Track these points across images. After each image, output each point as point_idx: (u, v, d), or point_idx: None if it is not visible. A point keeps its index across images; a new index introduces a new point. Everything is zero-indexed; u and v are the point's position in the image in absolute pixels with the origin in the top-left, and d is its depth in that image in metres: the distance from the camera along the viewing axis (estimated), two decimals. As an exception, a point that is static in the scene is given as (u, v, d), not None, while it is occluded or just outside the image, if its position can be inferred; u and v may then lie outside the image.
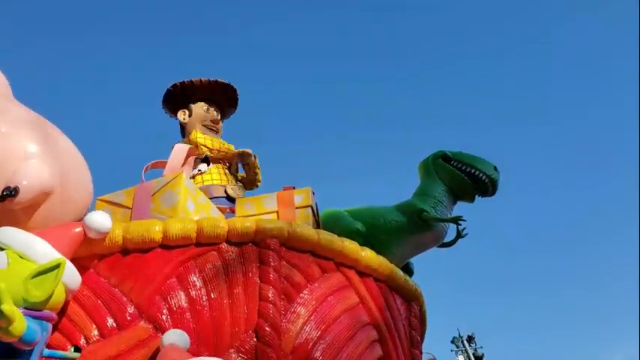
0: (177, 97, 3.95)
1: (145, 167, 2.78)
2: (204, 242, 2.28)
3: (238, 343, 2.14)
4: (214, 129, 3.84)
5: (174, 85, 3.93)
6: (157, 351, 2.06)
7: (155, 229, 2.22)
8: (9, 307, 1.59)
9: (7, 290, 1.62)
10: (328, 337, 2.33)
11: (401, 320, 2.78)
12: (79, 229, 2.12)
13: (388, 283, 2.74)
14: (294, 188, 2.89)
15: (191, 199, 2.50)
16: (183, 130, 3.88)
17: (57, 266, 1.82)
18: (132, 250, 2.23)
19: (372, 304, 2.59)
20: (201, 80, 3.88)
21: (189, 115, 3.86)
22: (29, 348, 1.78)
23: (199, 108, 3.87)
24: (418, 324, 2.92)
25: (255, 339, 2.15)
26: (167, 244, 2.24)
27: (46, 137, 2.46)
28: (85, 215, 2.59)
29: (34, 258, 1.92)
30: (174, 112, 3.98)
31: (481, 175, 3.12)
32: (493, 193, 3.18)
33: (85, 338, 2.07)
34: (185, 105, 3.91)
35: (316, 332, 2.30)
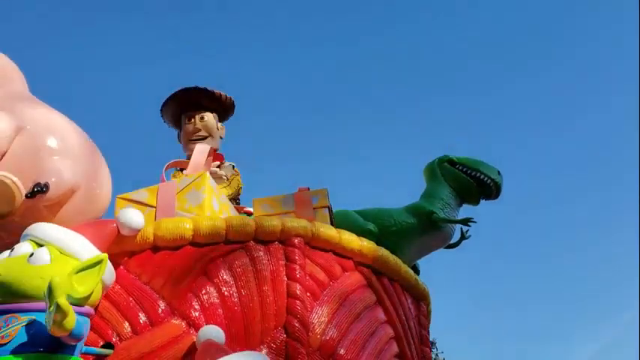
0: (169, 113, 3.89)
1: (165, 166, 2.79)
2: (232, 240, 2.31)
3: (269, 339, 2.18)
4: (198, 137, 3.72)
5: (161, 109, 3.86)
6: (191, 347, 2.09)
7: (186, 227, 2.25)
8: (64, 301, 1.60)
9: (61, 284, 1.63)
10: (351, 334, 2.40)
11: (412, 319, 2.87)
12: (113, 226, 2.13)
13: (401, 282, 2.82)
14: (308, 189, 2.95)
15: (215, 199, 2.53)
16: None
17: (99, 262, 1.84)
18: (162, 247, 2.24)
19: (388, 303, 2.66)
20: (174, 94, 3.76)
21: (181, 131, 3.83)
22: (75, 343, 1.79)
23: (184, 123, 3.78)
24: (427, 323, 3.01)
25: (284, 335, 2.20)
26: (197, 242, 2.27)
27: (68, 135, 2.47)
28: (103, 213, 2.60)
29: (74, 254, 1.92)
30: (173, 126, 3.94)
31: (486, 179, 3.25)
32: (497, 196, 3.31)
33: (118, 335, 2.08)
34: (178, 118, 3.86)
35: (341, 329, 2.37)
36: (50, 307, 1.62)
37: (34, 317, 1.76)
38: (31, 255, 1.86)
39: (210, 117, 3.78)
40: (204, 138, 3.68)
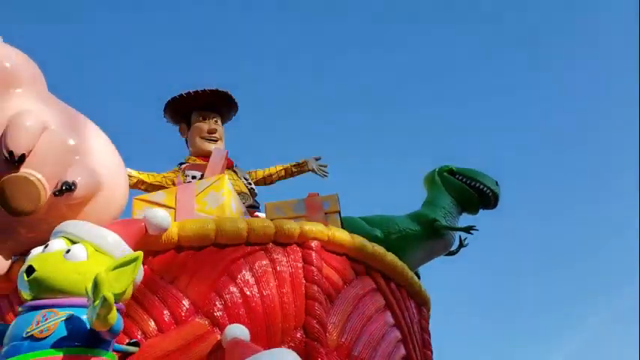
0: (177, 108, 3.92)
1: (182, 168, 2.83)
2: (253, 241, 2.37)
3: (289, 339, 2.24)
4: (212, 139, 3.78)
5: (172, 100, 3.88)
6: (216, 346, 2.13)
7: (209, 228, 2.29)
8: (111, 295, 1.63)
9: (106, 279, 1.66)
10: (365, 336, 2.48)
11: (415, 323, 2.96)
12: (141, 225, 2.16)
13: (407, 288, 2.92)
14: (317, 194, 3.02)
15: (234, 201, 2.59)
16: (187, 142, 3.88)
17: (135, 260, 1.87)
18: (186, 247, 2.28)
19: (395, 307, 2.76)
20: (190, 92, 3.82)
21: (188, 127, 3.84)
22: (112, 338, 1.81)
23: (196, 120, 3.84)
24: (427, 327, 3.11)
25: (304, 335, 2.26)
26: (220, 243, 2.31)
27: (89, 135, 2.49)
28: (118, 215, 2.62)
29: (109, 252, 1.95)
30: (176, 122, 3.95)
31: (485, 189, 3.38)
32: (495, 206, 3.45)
33: (143, 332, 2.11)
34: (186, 116, 3.88)
35: (355, 330, 2.44)
36: (95, 301, 1.64)
37: (72, 312, 1.78)
38: (68, 251, 1.88)
39: (220, 121, 3.84)
40: (216, 140, 3.71)
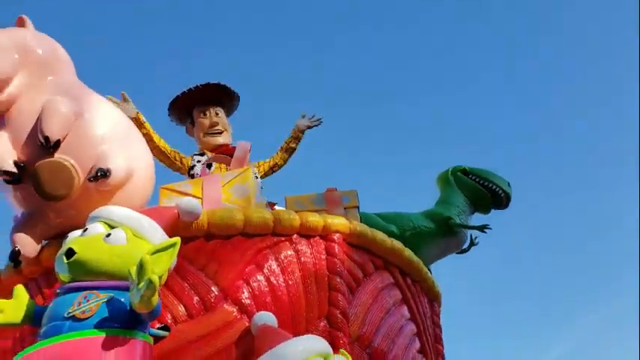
0: (179, 109, 3.92)
1: (208, 160, 2.88)
2: (279, 232, 2.43)
3: (313, 328, 2.30)
4: (215, 132, 3.78)
5: (172, 101, 3.88)
6: (244, 332, 2.19)
7: (238, 217, 2.35)
8: (156, 278, 1.67)
9: (151, 263, 1.70)
10: (384, 328, 2.54)
11: (428, 318, 3.03)
12: (174, 212, 2.21)
13: (421, 283, 2.98)
14: (335, 189, 3.08)
15: (258, 193, 2.64)
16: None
17: (172, 245, 1.92)
18: (216, 235, 2.34)
19: (411, 302, 2.83)
20: (185, 91, 3.82)
21: (193, 125, 3.84)
22: (151, 320, 1.87)
23: (197, 116, 3.78)
24: (439, 322, 3.18)
25: (327, 325, 2.32)
26: (247, 232, 2.37)
27: (121, 123, 2.54)
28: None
29: (146, 237, 2.00)
30: (182, 122, 3.95)
31: (498, 189, 3.46)
32: (506, 206, 3.53)
33: (173, 317, 2.16)
34: (189, 114, 3.89)
35: (374, 322, 2.51)
36: (140, 283, 1.69)
37: (112, 295, 1.82)
38: (108, 235, 1.92)
39: (222, 112, 3.80)
40: (220, 133, 3.71)
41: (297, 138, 3.72)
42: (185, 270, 2.25)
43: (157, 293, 1.73)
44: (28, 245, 2.32)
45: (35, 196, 2.29)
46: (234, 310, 2.23)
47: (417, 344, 2.76)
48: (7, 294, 2.05)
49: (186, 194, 2.61)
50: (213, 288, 2.24)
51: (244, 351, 2.15)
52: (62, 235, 2.37)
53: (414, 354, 2.68)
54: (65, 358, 1.70)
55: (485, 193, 3.48)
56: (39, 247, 2.38)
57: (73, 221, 2.35)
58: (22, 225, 2.37)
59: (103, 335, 1.74)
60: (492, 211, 3.57)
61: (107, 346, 1.73)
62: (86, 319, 1.77)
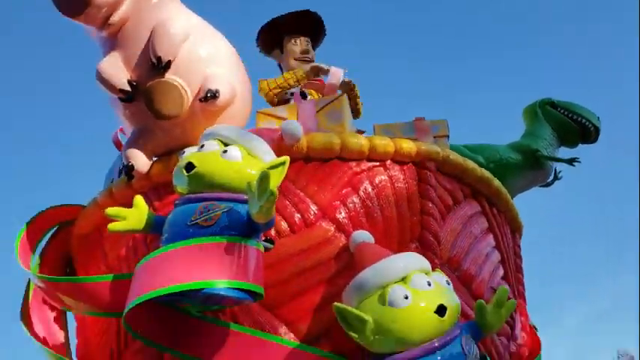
0: (269, 36, 3.95)
1: (301, 86, 2.95)
2: (373, 158, 2.49)
3: (405, 250, 2.39)
4: (306, 59, 3.82)
5: (262, 27, 3.91)
6: (341, 249, 2.31)
7: (335, 142, 2.42)
8: (276, 190, 1.79)
9: (272, 176, 1.81)
10: (472, 254, 2.62)
11: (510, 248, 3.08)
12: (279, 134, 2.31)
13: (506, 214, 3.02)
14: (423, 119, 3.10)
15: (350, 119, 2.71)
16: (281, 69, 3.94)
17: (283, 163, 2.03)
18: (314, 158, 2.43)
19: (497, 231, 2.88)
20: (279, 16, 3.84)
21: (282, 52, 3.87)
22: (266, 230, 2.02)
23: (288, 43, 3.80)
24: (520, 252, 3.23)
25: (420, 247, 2.41)
26: (344, 157, 2.45)
27: (224, 46, 2.61)
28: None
29: (259, 155, 2.12)
30: (269, 51, 3.99)
31: (587, 123, 3.39)
32: (595, 140, 3.46)
33: (277, 232, 2.30)
34: (278, 42, 3.92)
35: (463, 247, 2.59)
36: (261, 195, 1.81)
37: (231, 206, 1.97)
38: (225, 152, 2.05)
39: (311, 45, 3.85)
40: (310, 60, 3.76)
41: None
42: (287, 189, 2.37)
43: (274, 205, 1.85)
44: (140, 160, 2.48)
45: (145, 114, 2.43)
46: (332, 228, 2.34)
47: (501, 271, 2.83)
48: (119, 206, 2.22)
49: (282, 119, 2.71)
50: (312, 207, 2.36)
51: (341, 267, 2.28)
52: (168, 153, 2.54)
53: (498, 280, 2.76)
54: (193, 259, 1.88)
55: (573, 127, 3.41)
56: (150, 163, 2.55)
57: (178, 140, 2.50)
58: (134, 142, 2.53)
59: (224, 241, 1.90)
60: (579, 145, 3.51)
61: (229, 250, 1.89)
62: (209, 226, 1.93)
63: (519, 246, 3.24)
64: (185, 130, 2.48)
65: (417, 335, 1.85)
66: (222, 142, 2.12)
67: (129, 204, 2.19)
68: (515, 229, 3.21)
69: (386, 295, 1.88)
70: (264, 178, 1.80)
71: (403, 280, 1.94)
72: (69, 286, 2.36)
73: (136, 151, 2.48)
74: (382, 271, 1.97)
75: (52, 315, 2.72)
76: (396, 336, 1.84)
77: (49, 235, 2.87)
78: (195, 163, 2.03)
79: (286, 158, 2.05)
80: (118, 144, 3.29)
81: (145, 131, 2.54)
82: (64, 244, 2.91)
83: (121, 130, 3.31)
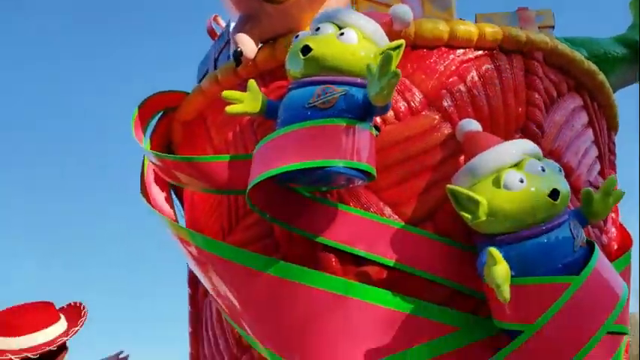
0: None
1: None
2: (481, 47, 2.44)
3: (510, 139, 2.40)
4: None
5: None
6: (447, 137, 2.34)
7: (443, 29, 2.38)
8: (399, 72, 1.82)
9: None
10: (573, 147, 2.60)
11: (606, 144, 3.03)
12: (388, 19, 2.29)
13: (606, 110, 2.94)
14: (527, 9, 2.97)
15: (455, 6, 2.63)
16: None
17: (399, 46, 2.03)
18: (421, 46, 2.40)
19: (596, 126, 2.82)
20: None
21: None
22: (380, 114, 2.08)
23: None
24: (614, 150, 3.17)
25: (523, 137, 2.41)
26: (451, 44, 2.41)
27: None
28: None
29: (374, 39, 2.12)
30: None
31: (703, 14, 3.15)
32: None
33: (382, 119, 2.34)
34: None
35: (565, 140, 2.57)
36: (383, 76, 1.85)
37: (347, 89, 2.01)
38: (341, 34, 2.07)
39: None
40: None
41: None
42: (393, 76, 2.38)
43: (394, 87, 1.88)
44: (248, 46, 2.51)
45: None
46: (437, 116, 2.36)
47: (598, 166, 2.81)
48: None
49: (386, 5, 2.66)
50: (417, 94, 2.37)
51: (446, 154, 2.32)
52: (273, 39, 2.57)
53: (595, 176, 2.75)
54: (312, 140, 1.96)
55: (687, 18, 3.18)
56: (256, 49, 2.59)
57: (283, 26, 2.52)
58: (241, 27, 2.56)
59: (343, 124, 1.97)
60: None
61: (347, 132, 1.97)
62: (327, 109, 1.99)
63: (614, 143, 3.18)
64: (290, 16, 2.48)
65: (530, 217, 1.91)
66: (337, 25, 2.13)
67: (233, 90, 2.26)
68: (612, 126, 3.13)
69: (501, 179, 1.93)
70: (387, 58, 1.82)
71: (517, 165, 1.98)
72: (186, 165, 2.51)
73: (245, 36, 2.50)
74: (497, 155, 2.01)
75: (163, 195, 2.92)
76: (510, 217, 1.91)
77: (154, 121, 3.02)
78: (311, 45, 2.05)
79: (402, 41, 2.04)
80: (212, 33, 3.32)
81: (251, 17, 2.56)
82: (166, 130, 3.06)
83: (215, 18, 3.34)
